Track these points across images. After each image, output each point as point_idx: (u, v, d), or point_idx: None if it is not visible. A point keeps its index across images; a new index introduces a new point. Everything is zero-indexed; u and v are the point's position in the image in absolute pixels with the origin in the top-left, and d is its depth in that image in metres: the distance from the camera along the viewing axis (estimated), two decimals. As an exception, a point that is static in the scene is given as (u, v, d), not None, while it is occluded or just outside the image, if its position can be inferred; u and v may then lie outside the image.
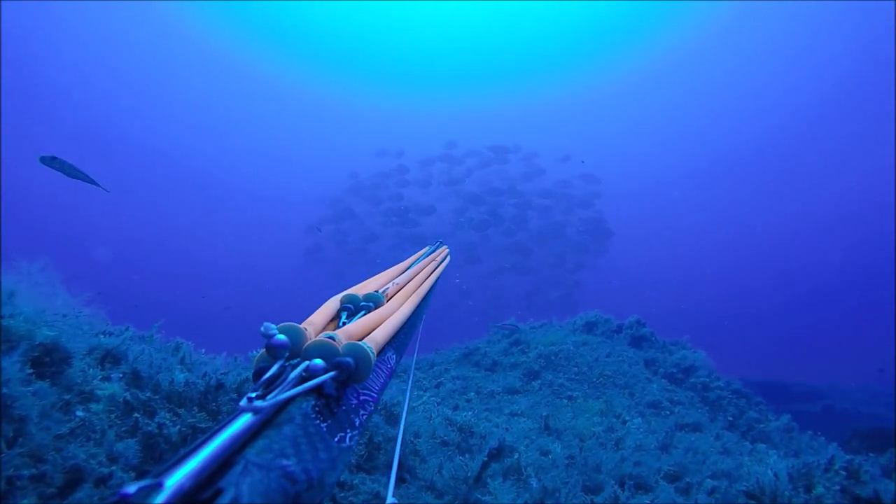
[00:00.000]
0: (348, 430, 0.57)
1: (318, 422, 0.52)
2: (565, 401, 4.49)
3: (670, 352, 5.61)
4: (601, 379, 4.83)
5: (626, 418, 4.15)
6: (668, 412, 4.35)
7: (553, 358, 5.16)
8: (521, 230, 14.36)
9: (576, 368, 5.00)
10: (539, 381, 4.80)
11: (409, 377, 1.41)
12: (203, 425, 2.34)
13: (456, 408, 4.25)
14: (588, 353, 5.27)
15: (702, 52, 30.52)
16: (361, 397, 0.65)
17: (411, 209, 14.51)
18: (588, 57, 32.14)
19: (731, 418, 4.27)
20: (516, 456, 2.53)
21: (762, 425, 4.15)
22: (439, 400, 4.50)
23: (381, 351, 0.79)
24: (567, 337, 5.63)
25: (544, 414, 3.97)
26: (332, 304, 0.86)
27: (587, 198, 14.73)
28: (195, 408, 2.39)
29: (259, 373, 0.54)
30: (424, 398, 4.37)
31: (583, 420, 3.97)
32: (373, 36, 32.51)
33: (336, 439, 0.53)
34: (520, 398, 4.54)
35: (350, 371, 0.60)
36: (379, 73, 34.17)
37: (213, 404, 2.44)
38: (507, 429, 3.83)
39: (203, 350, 3.84)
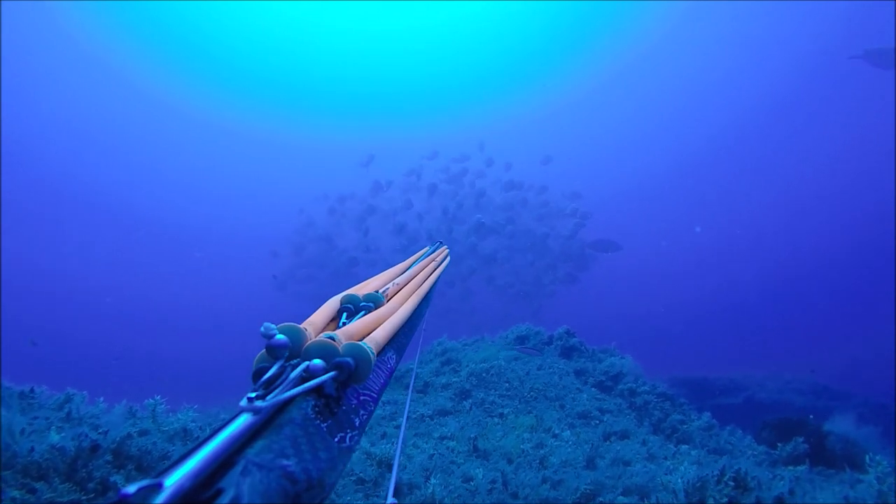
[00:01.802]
0: (348, 431, 0.57)
1: (318, 422, 0.51)
2: (496, 419, 4.40)
3: (599, 360, 5.69)
4: (532, 393, 4.79)
5: (556, 431, 4.12)
6: (597, 421, 4.37)
7: (485, 375, 5.07)
8: (501, 238, 13.66)
9: (507, 384, 4.93)
10: (470, 401, 4.68)
11: (411, 377, 1.40)
12: (63, 499, 2.00)
13: (383, 436, 4.04)
14: (519, 367, 5.24)
15: (655, 54, 30.61)
16: (361, 397, 0.64)
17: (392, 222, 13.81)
18: (547, 68, 32.23)
19: (656, 422, 4.35)
20: (430, 489, 2.36)
21: (685, 426, 4.25)
22: (367, 428, 4.25)
23: (382, 351, 0.78)
24: (499, 352, 5.58)
25: (472, 435, 3.85)
26: (332, 304, 0.84)
27: (569, 215, 13.97)
28: (58, 479, 2.04)
29: (259, 373, 0.53)
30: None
31: (512, 438, 3.89)
32: (311, 64, 31.94)
33: (336, 439, 0.53)
34: (450, 420, 4.39)
35: (350, 371, 0.60)
36: (328, 103, 33.61)
37: (83, 471, 2.10)
38: (432, 455, 3.67)
39: (101, 399, 3.40)
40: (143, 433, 2.65)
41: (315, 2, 28.33)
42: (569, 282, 14.28)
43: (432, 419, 4.49)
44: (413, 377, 1.26)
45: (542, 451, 3.52)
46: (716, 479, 1.99)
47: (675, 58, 29.92)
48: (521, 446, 3.74)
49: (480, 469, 3.22)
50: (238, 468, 0.37)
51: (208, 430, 3.16)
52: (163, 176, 32.61)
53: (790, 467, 3.66)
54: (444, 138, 24.45)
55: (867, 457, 3.22)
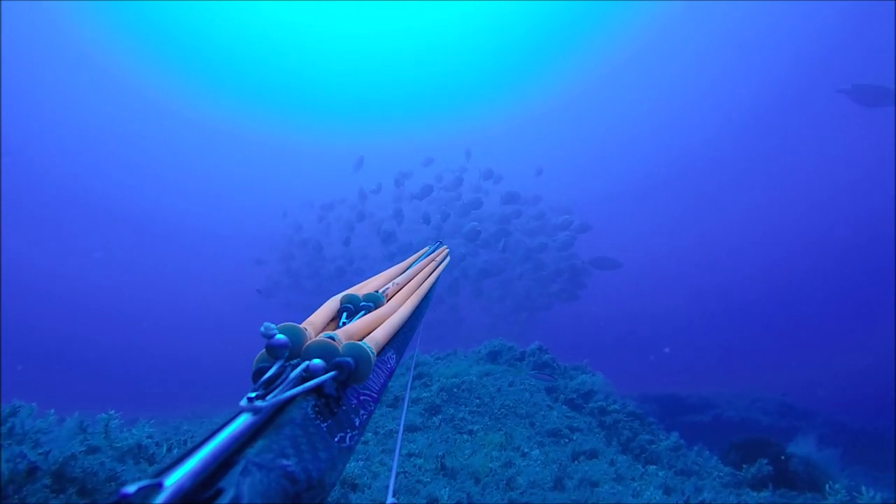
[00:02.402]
0: (348, 431, 0.57)
1: (318, 422, 0.51)
2: (465, 436, 4.34)
3: (571, 377, 5.69)
4: (503, 410, 4.74)
5: (526, 450, 4.07)
6: (566, 440, 4.34)
7: (455, 391, 5.01)
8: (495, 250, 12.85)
9: (478, 400, 4.88)
10: (440, 417, 4.61)
11: (409, 375, 1.33)
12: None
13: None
14: (491, 383, 5.19)
15: (632, 60, 30.49)
16: (361, 397, 0.64)
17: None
18: (528, 76, 32.14)
19: (625, 441, 4.34)
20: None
21: (654, 446, 4.26)
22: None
23: (381, 351, 0.78)
24: (471, 368, 5.53)
25: (440, 453, 3.77)
26: (332, 304, 0.84)
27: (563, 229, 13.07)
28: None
29: (259, 373, 0.53)
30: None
31: (480, 456, 3.83)
32: (300, 66, 31.67)
33: (336, 439, 0.53)
34: (419, 436, 4.31)
35: (350, 371, 0.60)
36: (315, 105, 33.41)
37: (14, 497, 1.96)
38: (398, 474, 3.58)
39: (52, 411, 3.21)
40: (91, 451, 2.51)
41: (303, 2, 28.21)
42: (568, 298, 13.77)
43: (402, 434, 4.39)
44: (411, 374, 1.24)
45: (510, 471, 3.47)
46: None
47: (668, 59, 29.82)
48: (490, 465, 3.69)
49: (446, 489, 3.15)
50: (238, 468, 0.37)
51: (165, 446, 3.01)
52: (156, 176, 32.42)
53: (754, 493, 3.69)
54: (435, 141, 24.62)
55: (826, 485, 3.27)
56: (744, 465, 3.93)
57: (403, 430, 4.56)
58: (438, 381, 5.15)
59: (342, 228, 13.90)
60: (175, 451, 2.98)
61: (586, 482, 3.37)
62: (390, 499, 0.67)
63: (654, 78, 30.51)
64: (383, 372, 0.76)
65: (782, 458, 3.79)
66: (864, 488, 3.26)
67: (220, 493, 0.34)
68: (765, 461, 3.83)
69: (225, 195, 33.61)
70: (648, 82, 30.78)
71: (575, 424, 4.63)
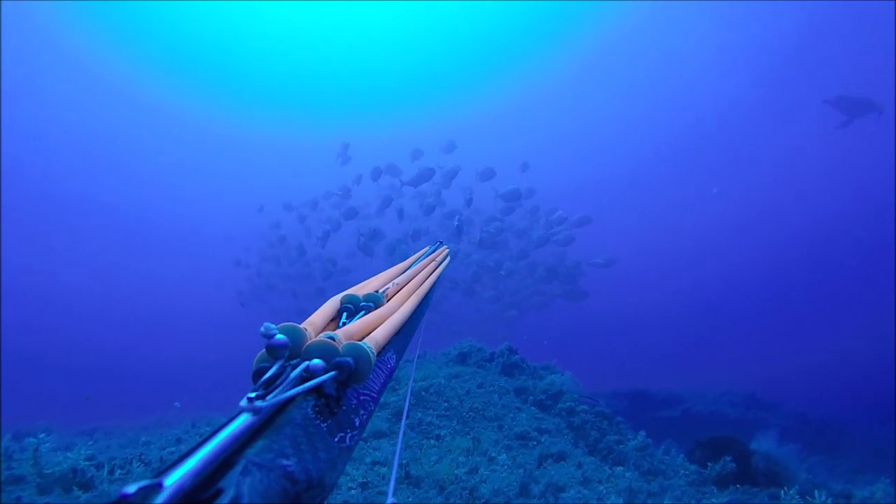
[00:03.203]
0: (348, 431, 0.57)
1: (318, 422, 0.51)
2: (433, 440, 4.25)
3: (540, 377, 5.66)
4: (471, 413, 4.67)
5: (493, 455, 4.00)
6: (535, 442, 4.30)
7: (424, 394, 4.92)
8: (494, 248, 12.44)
9: (446, 403, 4.79)
10: (407, 422, 4.50)
11: (409, 379, 1.42)
12: None
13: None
14: (459, 385, 5.11)
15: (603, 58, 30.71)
16: (361, 397, 0.64)
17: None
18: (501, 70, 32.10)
19: (593, 442, 4.32)
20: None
21: (621, 446, 4.25)
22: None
23: (381, 351, 0.77)
24: (440, 370, 5.44)
25: (405, 461, 3.67)
26: (332, 304, 0.84)
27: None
28: None
29: (259, 373, 0.52)
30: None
31: (446, 463, 3.74)
32: (283, 59, 31.26)
33: (336, 439, 0.53)
34: (384, 443, 4.20)
35: (350, 371, 0.60)
36: (296, 98, 33.02)
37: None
38: (363, 483, 3.46)
39: None
40: (14, 481, 2.32)
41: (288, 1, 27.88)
42: (575, 298, 13.34)
43: (366, 442, 4.28)
44: (411, 379, 1.16)
45: (474, 479, 3.39)
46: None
47: (649, 50, 29.75)
48: (455, 471, 3.60)
49: (410, 498, 3.05)
50: (238, 468, 0.37)
51: (107, 468, 2.82)
52: (145, 176, 32.00)
53: (718, 490, 3.71)
54: (420, 134, 24.47)
55: (782, 491, 3.30)
56: (709, 464, 3.95)
57: (368, 437, 4.44)
58: (407, 384, 5.05)
59: (326, 226, 13.49)
60: (117, 472, 2.79)
61: (552, 487, 3.32)
62: (391, 499, 0.63)
63: (635, 69, 30.69)
64: (383, 372, 0.76)
65: (745, 453, 3.82)
66: (816, 492, 3.30)
67: (220, 493, 0.34)
68: (728, 458, 3.86)
69: (211, 193, 33.20)
70: (630, 73, 30.95)
71: (544, 426, 4.59)
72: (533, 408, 5.03)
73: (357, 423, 0.61)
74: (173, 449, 4.63)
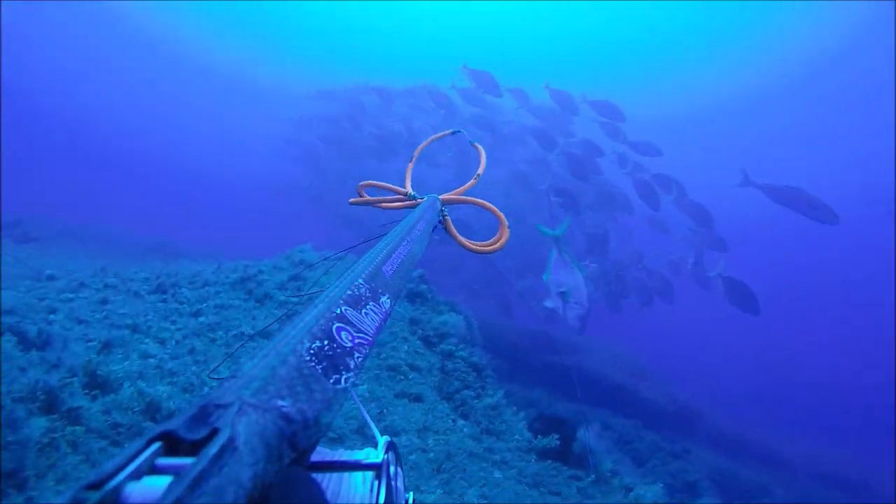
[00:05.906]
0: (343, 372, 0.59)
1: (312, 364, 0.53)
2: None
3: (439, 312, 5.98)
4: (357, 335, 4.97)
5: (357, 384, 4.38)
6: (402, 377, 4.69)
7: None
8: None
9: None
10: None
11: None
12: None
13: (191, 351, 4.02)
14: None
15: None
16: (356, 340, 0.65)
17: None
18: None
19: (453, 391, 4.77)
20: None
21: (475, 401, 4.72)
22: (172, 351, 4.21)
23: (377, 294, 0.79)
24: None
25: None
26: None
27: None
28: None
29: None
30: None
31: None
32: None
33: (331, 381, 0.54)
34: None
35: None
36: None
37: None
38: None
39: None
40: None
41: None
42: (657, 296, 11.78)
43: (256, 342, 4.52)
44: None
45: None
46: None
47: None
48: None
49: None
50: (233, 408, 0.38)
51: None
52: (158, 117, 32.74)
53: (538, 459, 4.29)
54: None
55: (583, 473, 3.85)
56: (539, 436, 4.47)
57: (257, 334, 4.70)
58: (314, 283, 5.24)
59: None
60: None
61: (388, 430, 3.72)
62: (383, 437, 0.70)
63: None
64: (378, 315, 0.77)
65: (570, 438, 4.36)
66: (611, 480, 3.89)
67: (215, 432, 0.35)
68: (556, 437, 4.40)
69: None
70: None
71: (418, 363, 4.98)
72: (419, 341, 5.40)
73: (352, 365, 0.62)
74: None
